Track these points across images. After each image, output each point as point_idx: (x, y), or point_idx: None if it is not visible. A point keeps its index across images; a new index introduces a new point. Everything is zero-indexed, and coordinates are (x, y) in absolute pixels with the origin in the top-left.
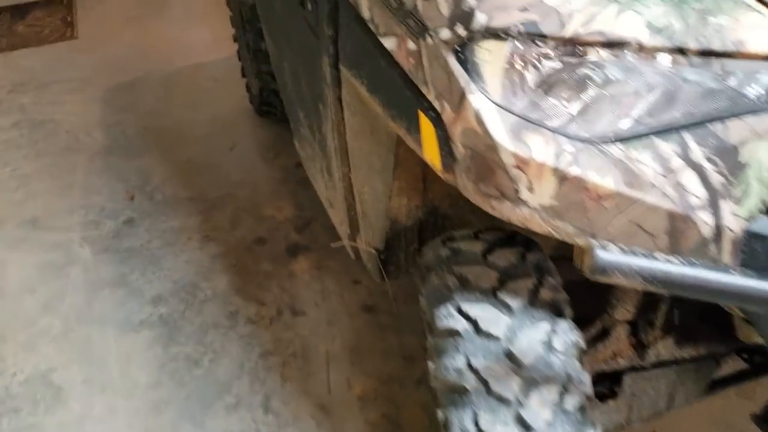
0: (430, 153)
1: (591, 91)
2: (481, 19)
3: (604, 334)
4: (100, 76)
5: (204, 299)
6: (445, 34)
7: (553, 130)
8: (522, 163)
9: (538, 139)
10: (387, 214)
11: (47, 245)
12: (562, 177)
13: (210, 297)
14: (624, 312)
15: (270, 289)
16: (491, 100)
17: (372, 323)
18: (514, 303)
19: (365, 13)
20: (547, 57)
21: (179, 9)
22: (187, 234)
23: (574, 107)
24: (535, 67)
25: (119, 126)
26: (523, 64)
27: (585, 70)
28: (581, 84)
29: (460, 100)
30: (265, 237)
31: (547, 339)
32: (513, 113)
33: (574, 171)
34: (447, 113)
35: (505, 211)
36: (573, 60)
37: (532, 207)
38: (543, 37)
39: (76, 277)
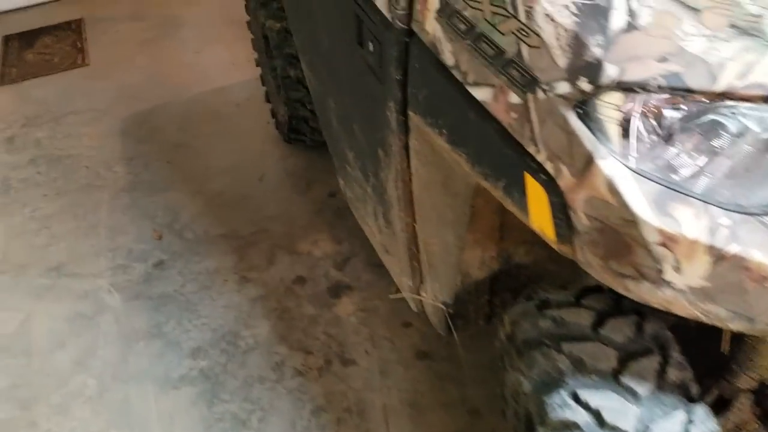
0: (540, 221)
1: (747, 153)
2: (611, 71)
3: (722, 403)
4: (116, 106)
5: (246, 349)
6: (562, 88)
7: (703, 200)
8: (669, 241)
9: (687, 211)
10: (458, 268)
11: (75, 294)
12: (717, 256)
13: (253, 346)
14: (748, 380)
15: (316, 336)
16: (626, 165)
17: (429, 372)
18: (641, 388)
19: (448, 59)
20: (690, 113)
21: (192, 30)
22: (223, 275)
23: (727, 171)
24: (676, 125)
25: (141, 159)
26: (661, 122)
27: (738, 128)
28: (735, 145)
29: (585, 164)
30: (305, 276)
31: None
32: (653, 180)
33: (732, 249)
34: (565, 178)
35: (642, 292)
36: (723, 117)
37: (678, 289)
38: (689, 91)
39: (107, 329)
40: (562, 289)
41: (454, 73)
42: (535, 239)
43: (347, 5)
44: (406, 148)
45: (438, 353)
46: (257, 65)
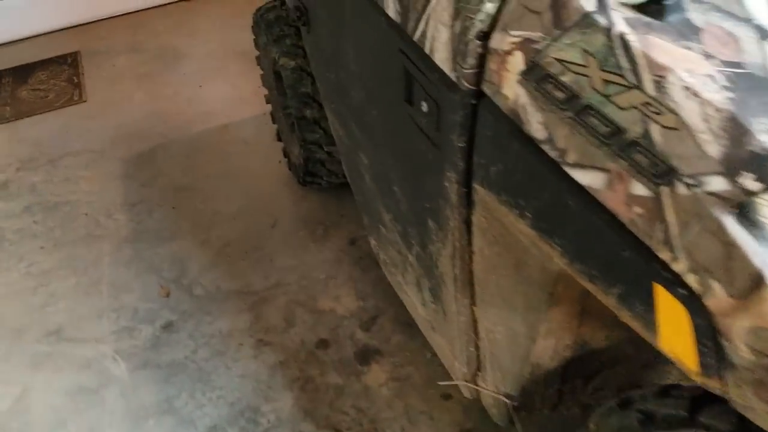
0: (676, 344)
1: None
2: None
3: None
4: (116, 146)
5: (268, 427)
6: (716, 184)
7: None
8: None
9: None
10: (527, 359)
11: (76, 362)
12: None
13: (275, 424)
14: None
15: (344, 410)
16: None
17: None
18: None
19: (536, 132)
20: None
21: (193, 63)
22: (238, 339)
23: None
24: None
25: (143, 205)
26: None
27: None
28: None
29: (750, 285)
30: (328, 338)
31: None
32: None
33: None
34: (717, 297)
35: None
36: None
37: None
38: None
39: (113, 404)
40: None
41: (546, 149)
42: (616, 323)
43: (393, 57)
44: (468, 223)
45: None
46: (267, 102)
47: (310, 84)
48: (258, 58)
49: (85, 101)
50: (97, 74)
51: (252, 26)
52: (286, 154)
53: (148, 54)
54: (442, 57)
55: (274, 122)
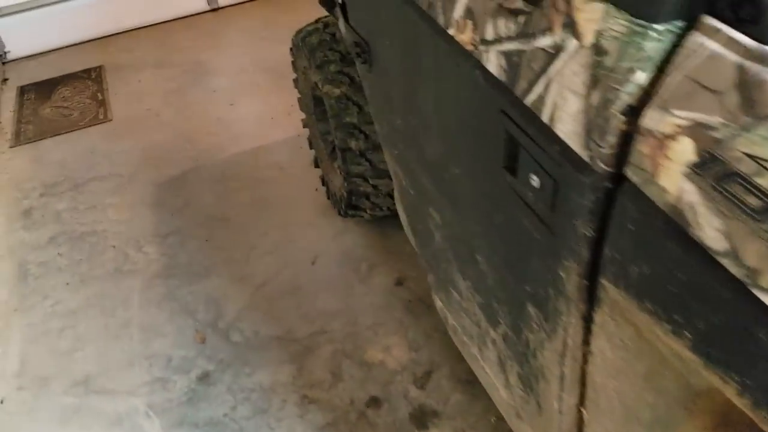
0: None
1: None
2: None
3: None
4: (144, 170)
5: None
6: None
7: None
8: None
9: None
10: None
11: (106, 418)
12: None
13: None
14: None
15: None
16: None
17: None
18: None
19: (712, 241)
20: None
21: (222, 79)
22: (281, 394)
23: None
24: None
25: (175, 236)
26: None
27: None
28: None
29: None
30: (380, 396)
31: None
32: None
33: None
34: None
35: None
36: None
37: None
38: None
39: None
40: None
41: (726, 263)
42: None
43: (491, 118)
44: (587, 320)
45: None
46: (304, 126)
47: (356, 113)
48: (296, 80)
49: (110, 120)
50: (122, 90)
51: (291, 48)
52: (324, 182)
53: (175, 69)
54: (568, 129)
55: (311, 147)
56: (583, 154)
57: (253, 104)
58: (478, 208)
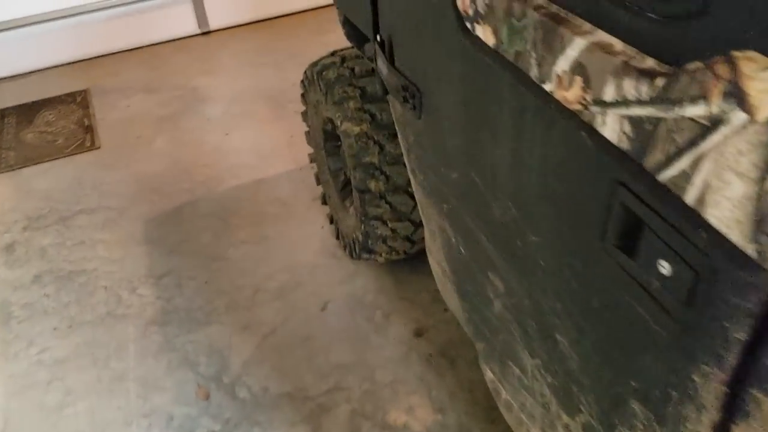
0: None
1: None
2: None
3: None
4: (136, 203)
5: None
6: None
7: None
8: None
9: None
10: None
11: None
12: None
13: None
14: None
15: None
16: None
17: None
18: None
19: None
20: None
21: (217, 106)
22: None
23: None
24: None
25: (171, 277)
26: None
27: None
28: None
29: None
30: None
31: None
32: None
33: None
34: None
35: None
36: None
37: None
38: None
39: None
40: None
41: None
42: None
43: (601, 189)
44: (724, 430)
45: None
46: (311, 161)
47: (377, 153)
48: (304, 113)
49: (98, 147)
50: (110, 116)
51: (302, 80)
52: (332, 221)
53: (166, 94)
54: (725, 216)
55: (318, 183)
56: (748, 248)
57: (250, 134)
58: (565, 285)
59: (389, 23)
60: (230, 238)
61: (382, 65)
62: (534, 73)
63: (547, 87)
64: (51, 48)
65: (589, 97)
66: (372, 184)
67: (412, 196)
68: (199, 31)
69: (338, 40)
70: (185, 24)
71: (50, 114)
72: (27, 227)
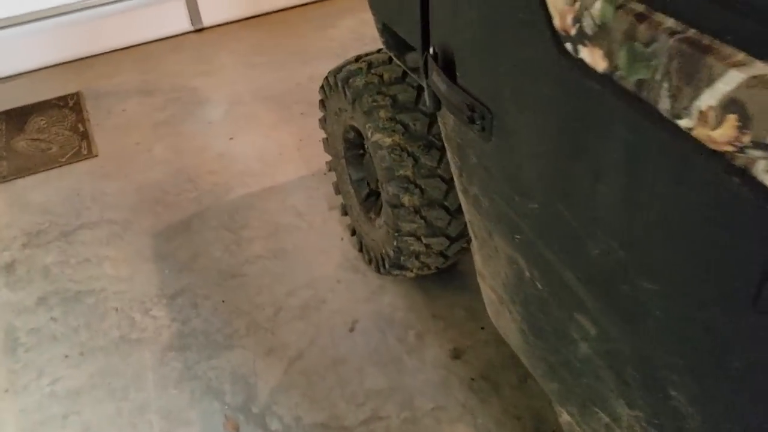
0: None
1: None
2: None
3: None
4: (140, 216)
5: None
6: None
7: None
8: None
9: None
10: None
11: None
12: None
13: None
14: None
15: None
16: None
17: None
18: None
19: None
20: None
21: (218, 109)
22: None
23: None
24: None
25: (186, 296)
26: None
27: None
28: None
29: None
30: None
31: None
32: None
33: None
34: None
35: None
36: None
37: None
38: None
39: None
40: None
41: None
42: None
43: (752, 243)
44: None
45: None
46: (330, 170)
47: (411, 166)
48: (322, 119)
49: (95, 155)
50: (105, 121)
51: (322, 86)
52: (354, 233)
53: (164, 96)
54: None
55: (337, 193)
56: None
57: (255, 138)
58: (692, 342)
59: (446, 35)
60: (244, 251)
61: (439, 81)
62: (664, 106)
63: (684, 123)
64: (38, 49)
65: (746, 139)
66: (406, 199)
67: (448, 210)
68: (192, 29)
69: (341, 36)
70: (177, 21)
71: (42, 120)
72: (27, 244)
